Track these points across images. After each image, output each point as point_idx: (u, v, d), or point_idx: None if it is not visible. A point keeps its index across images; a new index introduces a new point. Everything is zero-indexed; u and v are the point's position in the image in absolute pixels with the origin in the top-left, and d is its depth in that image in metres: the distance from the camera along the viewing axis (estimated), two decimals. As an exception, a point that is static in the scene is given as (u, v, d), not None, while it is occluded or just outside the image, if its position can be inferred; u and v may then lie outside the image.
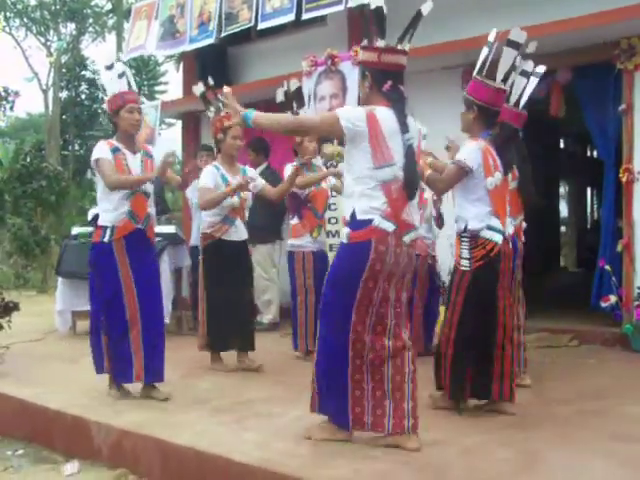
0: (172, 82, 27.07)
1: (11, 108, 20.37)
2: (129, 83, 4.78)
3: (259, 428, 3.92)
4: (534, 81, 4.94)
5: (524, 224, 5.13)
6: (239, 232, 5.53)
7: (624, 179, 6.73)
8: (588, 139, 9.06)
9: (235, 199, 5.40)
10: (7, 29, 23.54)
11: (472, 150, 4.19)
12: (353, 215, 3.54)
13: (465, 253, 4.17)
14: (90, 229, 8.01)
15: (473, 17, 7.52)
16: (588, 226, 18.97)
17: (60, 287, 7.59)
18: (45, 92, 23.37)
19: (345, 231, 3.58)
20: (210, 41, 8.81)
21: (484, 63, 4.33)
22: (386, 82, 3.60)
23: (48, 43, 23.74)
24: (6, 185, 14.87)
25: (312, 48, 7.70)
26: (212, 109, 5.58)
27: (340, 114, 3.54)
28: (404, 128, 3.56)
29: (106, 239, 4.54)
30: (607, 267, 6.87)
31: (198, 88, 5.63)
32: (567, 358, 6.22)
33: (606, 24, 6.33)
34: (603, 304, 6.81)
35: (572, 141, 17.22)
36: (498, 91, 4.26)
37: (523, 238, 5.08)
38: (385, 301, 3.56)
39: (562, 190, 20.17)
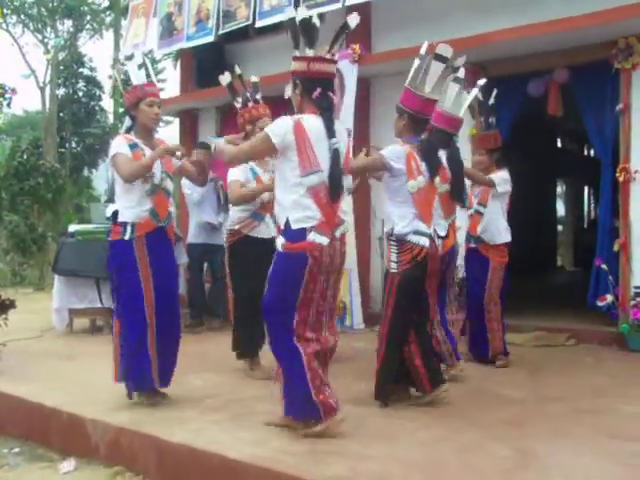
0: (169, 79, 26.98)
1: (8, 105, 20.26)
2: (148, 74, 4.58)
3: (254, 426, 3.92)
4: (474, 91, 5.36)
5: (458, 223, 5.37)
6: (269, 229, 5.25)
7: (621, 178, 6.74)
8: (585, 138, 9.07)
9: (265, 195, 5.19)
10: (4, 26, 23.49)
11: (394, 150, 4.42)
12: (287, 224, 3.69)
13: (393, 257, 4.39)
14: (89, 227, 8.02)
15: (471, 16, 7.53)
16: (585, 225, 19.00)
17: (57, 285, 7.57)
18: (42, 89, 23.32)
19: (280, 240, 3.72)
20: (210, 39, 8.81)
21: (416, 74, 4.49)
22: (315, 90, 3.75)
23: (45, 40, 23.69)
24: (3, 182, 14.86)
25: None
26: (239, 99, 5.33)
27: (270, 132, 3.71)
28: (330, 133, 3.72)
29: (127, 237, 4.31)
30: (604, 266, 6.88)
31: (225, 78, 5.35)
32: (564, 357, 6.24)
33: (603, 23, 6.34)
34: (600, 303, 6.83)
35: (569, 140, 17.23)
36: (427, 100, 4.45)
37: (457, 237, 5.39)
38: (323, 299, 3.75)
39: (559, 189, 20.19)
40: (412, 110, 4.43)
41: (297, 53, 3.82)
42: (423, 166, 4.40)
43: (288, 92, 5.78)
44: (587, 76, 7.09)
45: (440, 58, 4.47)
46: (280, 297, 3.71)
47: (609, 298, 6.76)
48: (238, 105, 5.33)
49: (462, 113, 5.17)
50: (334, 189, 3.70)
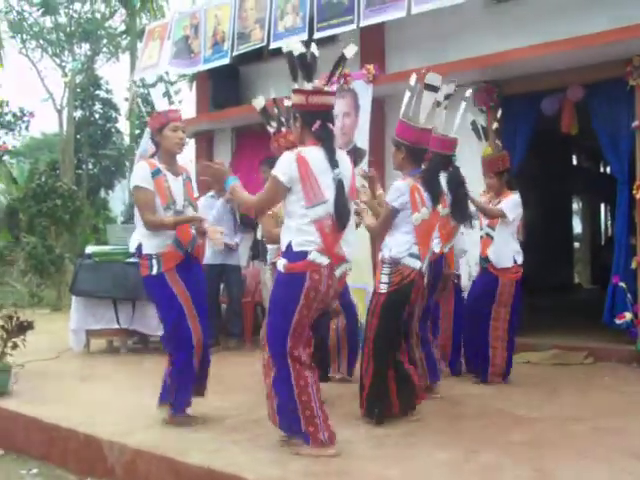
0: (185, 101, 27.22)
1: (26, 128, 20.54)
2: (172, 102, 4.59)
3: (273, 447, 3.90)
4: (463, 105, 5.44)
5: (465, 247, 5.53)
6: None
7: (637, 196, 6.71)
8: (601, 155, 9.05)
9: None
10: (24, 51, 23.79)
11: (397, 190, 4.43)
12: (289, 247, 3.75)
13: (384, 278, 4.43)
14: (106, 248, 8.08)
15: (485, 35, 7.57)
16: (602, 243, 18.88)
17: (74, 306, 7.60)
18: (60, 112, 23.49)
19: (282, 261, 3.78)
20: (225, 61, 8.90)
21: (408, 105, 4.53)
22: (315, 122, 3.80)
23: (63, 64, 23.93)
24: (21, 204, 14.97)
25: (324, 67, 7.76)
26: (273, 124, 5.24)
27: (277, 173, 3.75)
28: (333, 164, 3.77)
29: (154, 272, 4.29)
30: (621, 284, 6.83)
31: (258, 102, 5.24)
32: (582, 375, 6.19)
33: (618, 41, 6.35)
34: (618, 321, 6.77)
35: (585, 157, 17.18)
36: (423, 131, 4.48)
37: (453, 266, 5.67)
38: (310, 326, 3.85)
39: (575, 206, 20.10)
40: (409, 142, 4.46)
41: (296, 86, 3.86)
42: (426, 196, 4.44)
43: None
44: (602, 94, 7.09)
45: (430, 88, 4.49)
46: (278, 322, 3.77)
47: (628, 316, 6.70)
48: (272, 130, 5.29)
49: (454, 132, 5.26)
50: (340, 219, 3.74)
